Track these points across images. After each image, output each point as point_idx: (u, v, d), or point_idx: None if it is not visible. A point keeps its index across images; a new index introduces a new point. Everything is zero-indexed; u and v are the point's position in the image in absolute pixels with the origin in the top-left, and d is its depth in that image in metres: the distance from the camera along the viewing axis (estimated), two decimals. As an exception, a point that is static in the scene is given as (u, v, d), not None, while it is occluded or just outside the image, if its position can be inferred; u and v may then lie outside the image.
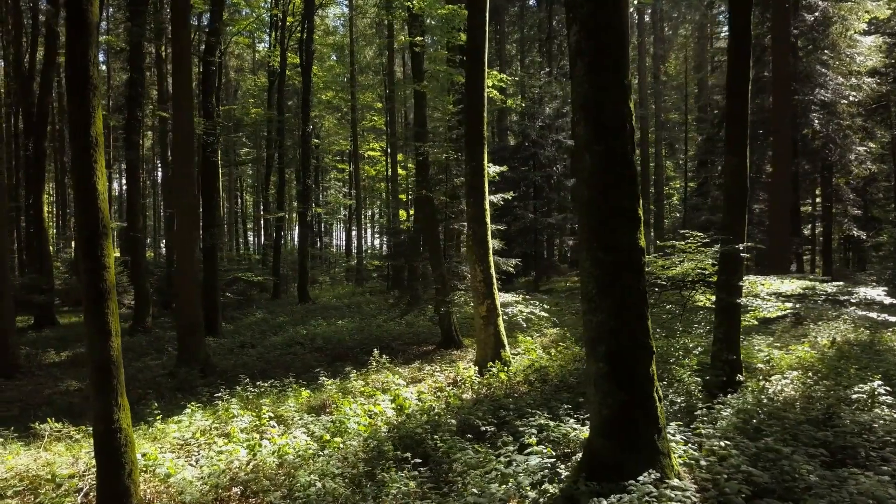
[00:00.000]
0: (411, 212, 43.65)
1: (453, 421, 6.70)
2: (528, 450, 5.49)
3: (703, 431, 5.58)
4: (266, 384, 9.17)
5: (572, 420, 6.64)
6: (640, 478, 4.53)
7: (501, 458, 5.25)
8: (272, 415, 7.49)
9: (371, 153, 48.38)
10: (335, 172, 52.94)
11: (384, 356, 11.07)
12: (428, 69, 14.20)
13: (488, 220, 10.65)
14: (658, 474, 4.62)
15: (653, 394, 4.94)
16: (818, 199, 27.35)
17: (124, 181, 52.62)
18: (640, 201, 5.12)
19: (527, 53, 40.03)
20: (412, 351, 13.70)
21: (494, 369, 9.52)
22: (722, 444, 5.12)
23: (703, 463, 5.07)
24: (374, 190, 53.56)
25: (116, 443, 5.14)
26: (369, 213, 57.65)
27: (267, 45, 37.24)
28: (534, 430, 6.23)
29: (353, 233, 55.73)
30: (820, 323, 13.33)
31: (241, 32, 32.86)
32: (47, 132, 23.59)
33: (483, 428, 6.87)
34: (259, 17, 34.14)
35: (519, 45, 40.68)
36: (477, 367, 9.80)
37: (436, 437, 6.33)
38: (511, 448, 5.55)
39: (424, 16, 14.44)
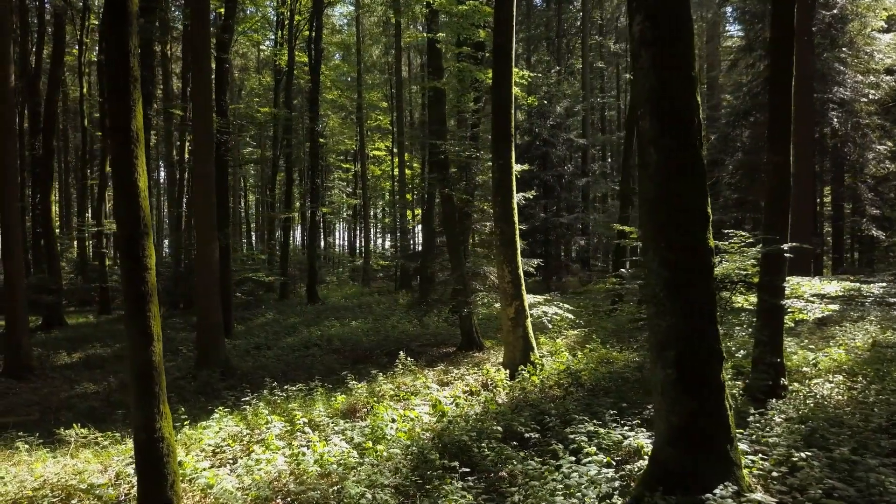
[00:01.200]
0: (417, 211, 43.64)
1: (499, 428, 6.46)
2: (587, 459, 5.25)
3: (770, 440, 5.34)
4: (294, 388, 8.92)
5: (621, 427, 6.41)
6: (717, 491, 4.30)
7: (563, 469, 5.00)
8: (306, 421, 7.24)
9: (376, 152, 48.18)
10: (339, 172, 52.69)
11: (409, 359, 10.82)
12: (447, 66, 13.94)
13: (516, 219, 10.41)
14: (734, 487, 4.38)
15: (724, 401, 4.71)
16: (826, 199, 27.16)
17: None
18: (709, 198, 4.88)
19: (533, 52, 39.81)
20: (432, 353, 13.46)
21: (526, 373, 9.28)
22: (803, 454, 4.86)
23: (774, 474, 4.83)
24: (379, 189, 53.38)
25: (159, 452, 4.90)
26: (372, 212, 57.37)
27: (272, 44, 37.02)
28: (584, 438, 5.99)
29: (358, 232, 55.64)
30: (845, 324, 13.10)
31: (246, 31, 32.64)
32: (57, 130, 23.29)
33: (527, 435, 6.64)
34: (264, 15, 33.94)
35: (525, 44, 40.45)
36: (507, 371, 9.56)
37: (482, 444, 6.09)
38: (570, 458, 5.30)
39: (443, 12, 14.20)
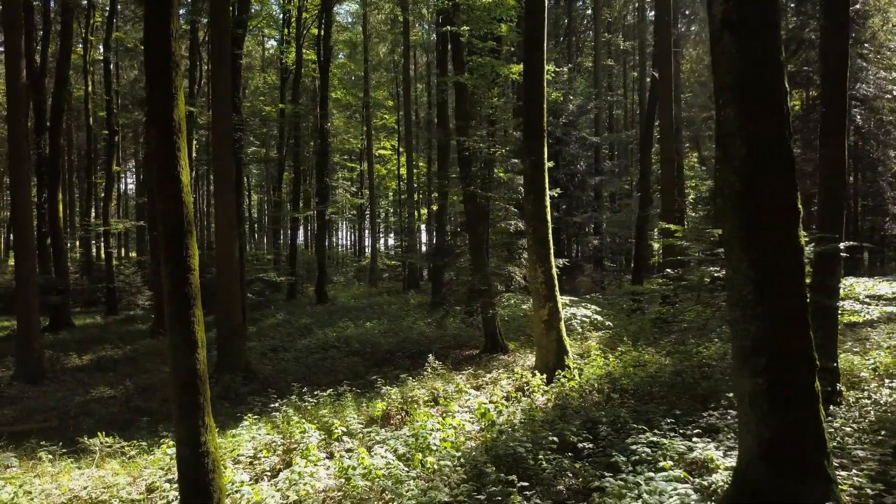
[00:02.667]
0: (423, 211, 43.26)
1: (554, 438, 6.09)
2: (660, 475, 4.88)
3: (856, 453, 4.98)
4: (324, 393, 8.55)
5: (680, 436, 6.06)
6: (818, 511, 3.94)
7: (643, 486, 4.63)
8: (344, 430, 6.87)
9: (382, 151, 47.80)
10: (344, 171, 52.32)
11: (437, 362, 10.47)
12: (470, 61, 13.56)
13: (549, 217, 10.05)
14: (835, 507, 4.03)
15: (819, 412, 4.35)
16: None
17: (131, 181, 51.88)
18: (798, 193, 4.52)
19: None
20: (455, 355, 13.09)
21: (564, 377, 8.92)
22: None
23: (868, 491, 4.47)
24: (383, 189, 52.99)
25: (204, 468, 4.54)
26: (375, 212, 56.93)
27: (277, 42, 36.60)
28: (646, 449, 5.64)
29: (364, 232, 55.24)
30: (877, 326, 12.74)
31: (251, 29, 32.21)
32: (63, 129, 22.93)
33: (580, 445, 6.27)
34: (269, 13, 33.54)
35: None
36: (544, 375, 9.19)
37: (538, 455, 5.73)
38: (637, 471, 4.94)
39: (464, 4, 13.83)
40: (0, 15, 12.99)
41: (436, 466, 5.65)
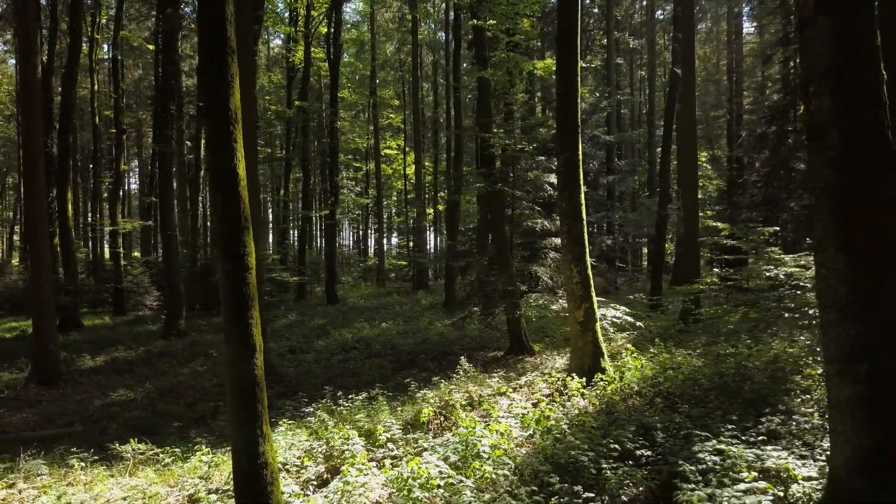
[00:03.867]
0: (429, 211, 42.96)
1: (616, 445, 5.81)
2: (742, 486, 4.60)
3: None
4: (359, 397, 8.26)
5: (745, 444, 5.78)
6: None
7: (724, 499, 4.35)
8: (388, 436, 6.59)
9: (388, 151, 47.52)
10: (348, 171, 52.06)
11: (468, 364, 10.19)
12: (493, 56, 13.29)
13: (584, 215, 9.77)
14: (948, 524, 3.75)
15: (923, 421, 4.07)
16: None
17: (133, 182, 51.58)
18: None
19: (547, 49, 39.20)
20: (480, 357, 12.82)
21: (604, 380, 8.64)
22: None
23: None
24: (388, 189, 52.71)
25: (263, 482, 4.27)
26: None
27: (282, 41, 36.32)
28: (714, 458, 5.36)
29: (369, 232, 54.97)
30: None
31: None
32: (72, 127, 22.66)
33: (638, 452, 5.99)
34: (274, 11, 33.23)
35: (541, 40, 39.83)
36: (583, 378, 8.91)
37: (601, 463, 5.46)
38: (725, 484, 4.66)
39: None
40: (14, 10, 12.69)
41: (494, 476, 5.37)
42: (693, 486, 5.00)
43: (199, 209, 29.35)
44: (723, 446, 5.57)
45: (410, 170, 44.92)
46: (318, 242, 50.17)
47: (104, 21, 32.15)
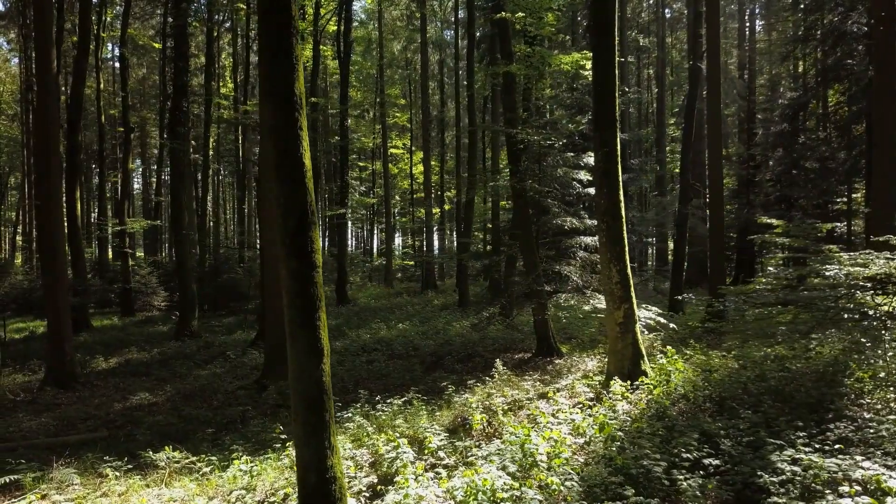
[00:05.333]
0: (435, 210, 42.61)
1: (689, 455, 5.49)
2: (845, 501, 4.28)
3: None
4: (399, 401, 7.94)
5: (820, 453, 5.46)
6: None
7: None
8: (437, 444, 6.26)
9: (394, 150, 47.19)
10: (354, 171, 51.75)
11: (503, 367, 9.87)
12: (518, 50, 12.96)
13: (623, 213, 9.44)
14: None
15: None
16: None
17: (136, 182, 51.28)
18: None
19: (555, 48, 38.92)
20: (507, 359, 12.48)
21: (649, 384, 8.32)
22: None
23: None
24: (395, 188, 52.39)
25: (331, 497, 3.94)
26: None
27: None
28: (794, 468, 5.05)
29: (376, 232, 54.60)
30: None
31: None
32: (80, 125, 22.33)
33: (706, 461, 5.67)
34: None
35: (549, 39, 39.54)
36: (628, 381, 8.59)
37: (675, 474, 5.14)
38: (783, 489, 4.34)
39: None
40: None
41: (562, 488, 5.06)
42: (778, 498, 4.70)
43: (207, 209, 28.97)
44: (800, 455, 5.26)
45: (416, 169, 44.60)
46: (324, 242, 49.84)
47: (109, 20, 31.84)
